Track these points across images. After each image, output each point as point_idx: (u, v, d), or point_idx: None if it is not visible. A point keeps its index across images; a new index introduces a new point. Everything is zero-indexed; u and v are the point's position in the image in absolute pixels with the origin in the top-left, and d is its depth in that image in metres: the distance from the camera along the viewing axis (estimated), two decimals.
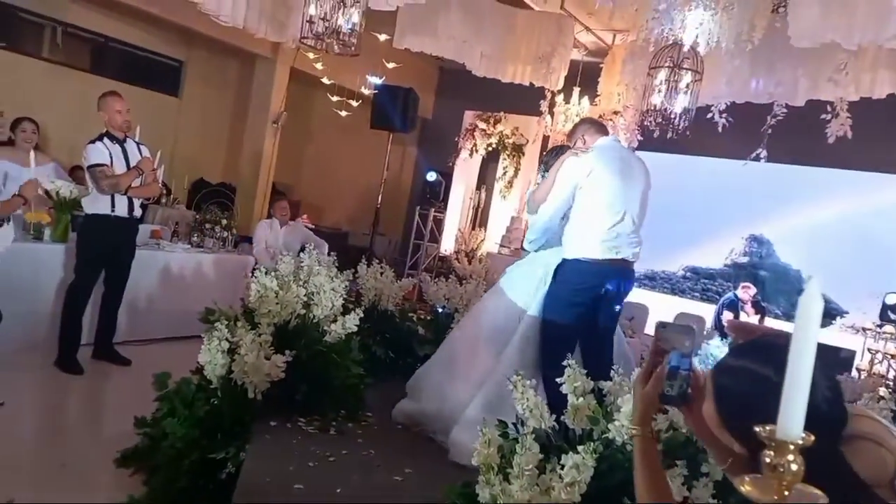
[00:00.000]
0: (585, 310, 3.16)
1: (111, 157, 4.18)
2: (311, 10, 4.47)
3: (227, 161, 8.98)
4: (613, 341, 3.29)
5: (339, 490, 2.54)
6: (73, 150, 6.82)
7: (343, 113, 7.83)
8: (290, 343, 3.06)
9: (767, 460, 0.59)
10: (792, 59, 5.45)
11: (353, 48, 4.66)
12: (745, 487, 0.58)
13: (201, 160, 8.66)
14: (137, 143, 4.38)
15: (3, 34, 7.15)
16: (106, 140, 4.21)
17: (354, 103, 7.77)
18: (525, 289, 3.35)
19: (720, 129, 5.83)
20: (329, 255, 3.96)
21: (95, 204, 4.20)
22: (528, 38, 7.47)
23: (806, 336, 0.58)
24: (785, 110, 5.39)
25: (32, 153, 4.24)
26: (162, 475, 2.69)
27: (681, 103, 5.37)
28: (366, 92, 7.56)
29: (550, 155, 3.60)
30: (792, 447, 0.58)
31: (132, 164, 4.27)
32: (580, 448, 2.01)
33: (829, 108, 5.04)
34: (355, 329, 3.33)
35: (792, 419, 0.58)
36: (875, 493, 0.93)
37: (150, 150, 4.45)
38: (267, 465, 2.63)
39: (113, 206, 4.20)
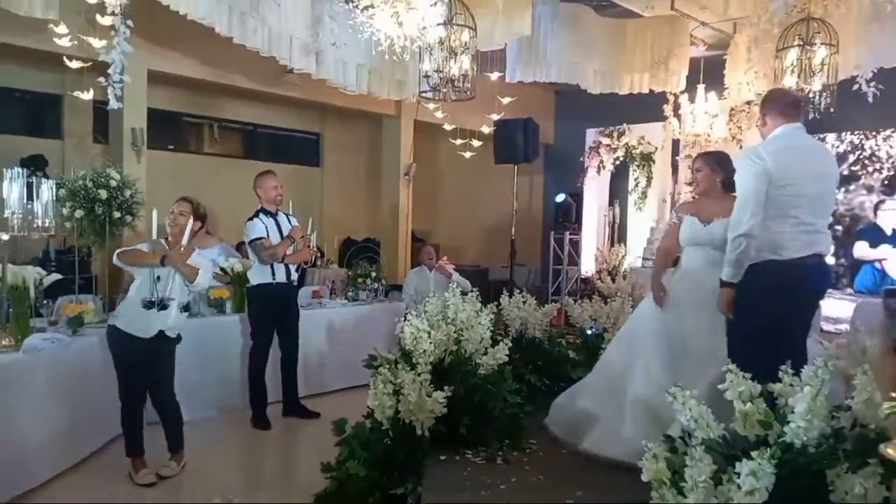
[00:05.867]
0: (780, 312, 2.89)
1: (267, 231, 4.63)
2: (426, 66, 4.78)
3: (368, 217, 9.61)
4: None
5: None
6: (238, 228, 7.67)
7: (467, 154, 8.10)
8: (447, 379, 3.22)
9: None
10: None
11: (468, 92, 4.91)
12: (890, 451, 0.59)
13: (346, 220, 9.35)
14: (286, 215, 4.83)
15: (171, 137, 8.39)
16: (262, 215, 4.67)
17: (477, 143, 8.01)
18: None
19: (870, 99, 5.37)
20: (472, 290, 4.09)
21: (259, 274, 4.66)
22: (641, 46, 7.35)
23: None
24: None
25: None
26: None
27: (818, 81, 5.01)
28: (486, 130, 7.78)
29: None
30: None
31: (284, 234, 4.70)
32: (754, 454, 1.94)
33: None
34: (506, 359, 3.43)
35: None
36: None
37: (298, 219, 4.88)
38: (444, 497, 2.76)
39: (273, 274, 4.64)
